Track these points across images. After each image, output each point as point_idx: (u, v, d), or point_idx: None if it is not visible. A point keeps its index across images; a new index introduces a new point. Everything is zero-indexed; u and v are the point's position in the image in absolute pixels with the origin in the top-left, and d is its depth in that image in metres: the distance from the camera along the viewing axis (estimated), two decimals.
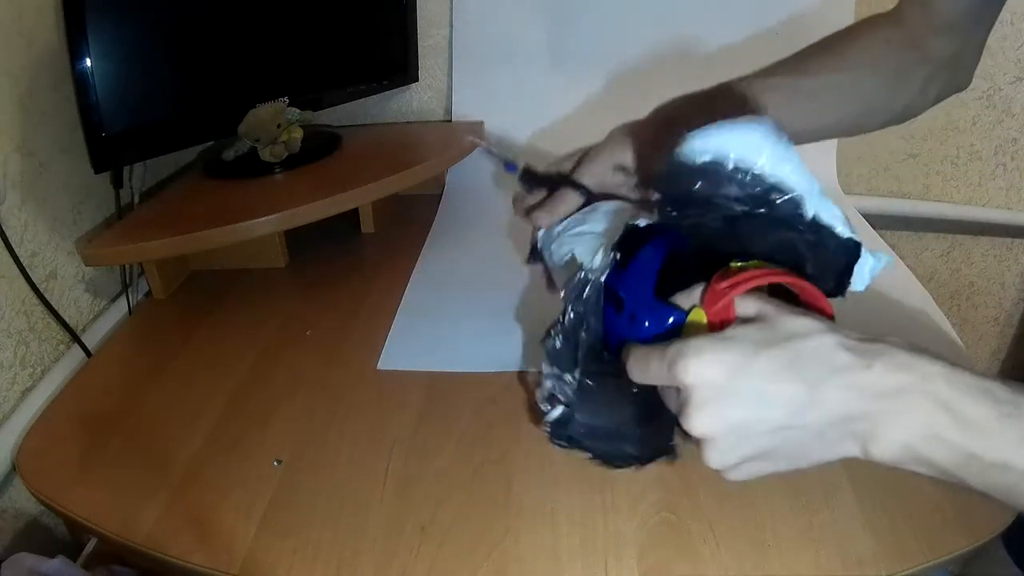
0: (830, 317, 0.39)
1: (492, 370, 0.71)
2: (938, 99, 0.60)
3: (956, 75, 0.59)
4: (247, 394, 0.70)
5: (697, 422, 0.34)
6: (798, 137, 0.55)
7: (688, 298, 0.40)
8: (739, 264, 0.40)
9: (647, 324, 0.42)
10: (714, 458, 0.35)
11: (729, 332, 0.35)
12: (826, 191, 0.40)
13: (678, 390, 0.36)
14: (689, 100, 0.60)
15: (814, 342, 0.34)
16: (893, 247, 0.93)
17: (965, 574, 0.77)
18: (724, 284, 0.38)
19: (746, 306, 0.38)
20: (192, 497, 0.59)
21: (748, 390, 0.34)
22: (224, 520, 0.56)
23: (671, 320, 0.41)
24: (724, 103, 0.58)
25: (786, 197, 0.40)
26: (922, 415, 0.32)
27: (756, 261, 0.40)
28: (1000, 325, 1.34)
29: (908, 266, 0.87)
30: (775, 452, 0.35)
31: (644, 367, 0.37)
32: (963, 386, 0.32)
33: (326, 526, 0.56)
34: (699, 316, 0.39)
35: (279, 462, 0.62)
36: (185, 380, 0.73)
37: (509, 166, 0.66)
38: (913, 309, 0.78)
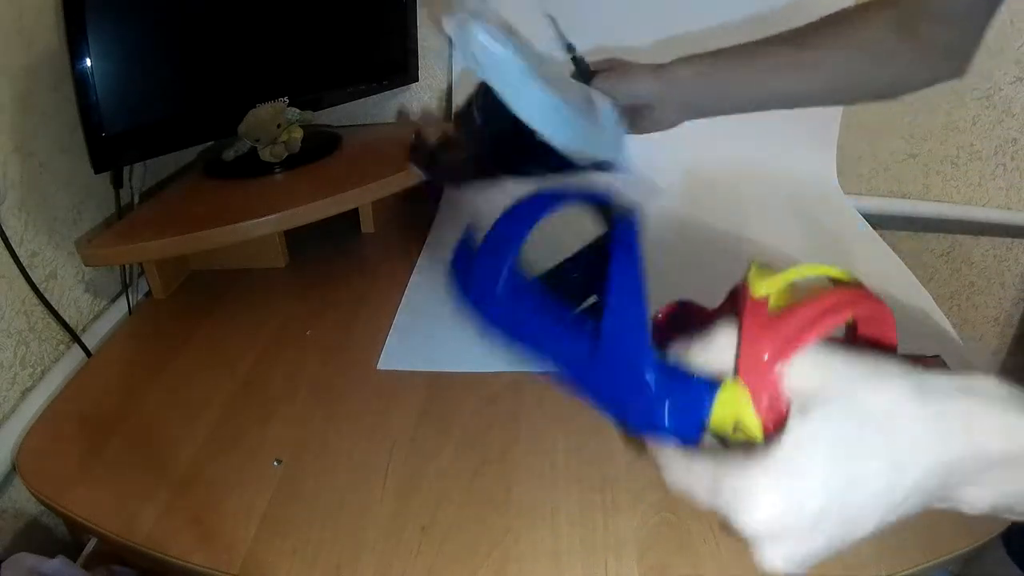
0: (894, 345, 0.33)
1: (492, 370, 0.71)
2: (929, 83, 0.61)
3: (950, 63, 0.60)
4: (247, 394, 0.70)
5: (767, 559, 0.30)
6: (792, 101, 0.62)
7: (702, 350, 0.31)
8: (765, 288, 0.30)
9: (653, 404, 0.33)
10: (775, 561, 0.31)
11: (792, 451, 0.27)
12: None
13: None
14: (692, 60, 0.64)
15: (911, 430, 0.27)
16: (893, 247, 0.93)
17: (965, 574, 0.77)
18: (770, 349, 0.28)
19: (807, 379, 0.28)
20: (192, 497, 0.59)
21: (835, 520, 0.29)
22: (224, 520, 0.56)
23: (692, 403, 0.32)
24: (727, 62, 0.63)
25: None
26: (1014, 482, 0.28)
27: (795, 270, 0.31)
28: (1000, 325, 1.35)
29: (908, 266, 0.87)
30: (851, 537, 0.31)
31: (686, 481, 0.32)
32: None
33: (326, 526, 0.56)
34: (735, 399, 0.29)
35: (279, 462, 0.62)
36: (185, 380, 0.73)
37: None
38: (913, 309, 0.78)
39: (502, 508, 0.56)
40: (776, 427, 0.28)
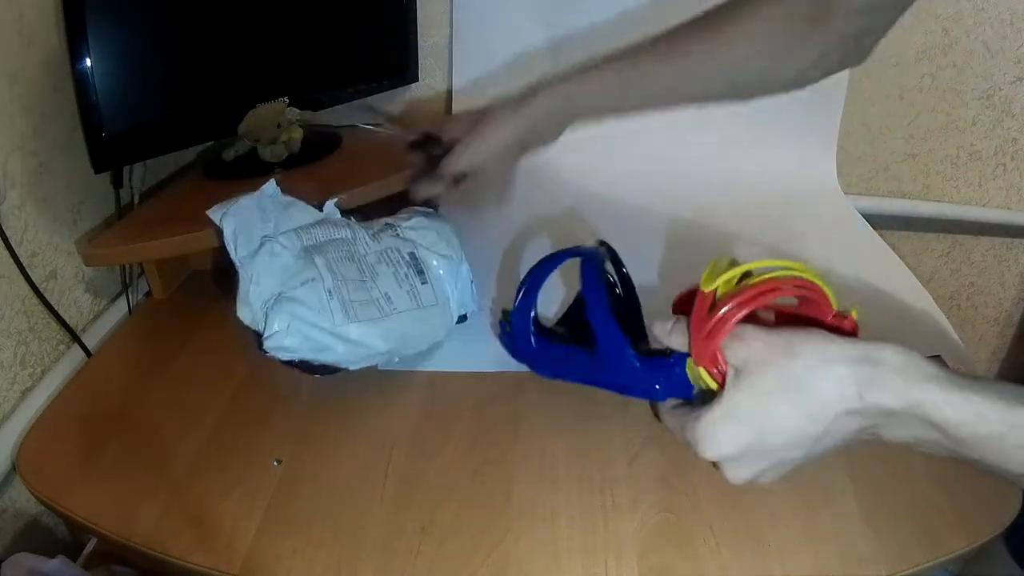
0: (830, 319, 0.43)
1: (492, 370, 0.71)
2: (835, 71, 0.59)
3: (858, 51, 0.58)
4: (247, 394, 0.70)
5: (727, 475, 0.42)
6: (685, 101, 0.62)
7: (666, 332, 0.47)
8: (715, 283, 0.43)
9: (640, 376, 0.54)
10: (733, 477, 0.42)
11: (733, 402, 0.40)
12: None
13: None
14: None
15: (817, 388, 0.38)
16: (893, 247, 0.93)
17: (965, 574, 0.77)
18: (705, 331, 0.42)
19: (735, 352, 0.41)
20: (192, 497, 0.59)
21: (765, 450, 0.40)
22: (224, 520, 0.56)
23: (663, 373, 0.52)
24: (587, 88, 0.63)
25: None
26: (916, 429, 0.38)
27: (732, 271, 0.43)
28: (1000, 325, 1.34)
29: (908, 266, 0.87)
30: (790, 461, 0.41)
31: (673, 429, 0.46)
32: (949, 404, 0.36)
33: (326, 526, 0.56)
34: (692, 369, 0.45)
35: (279, 462, 0.62)
36: (185, 380, 0.73)
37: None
38: (913, 309, 0.78)
39: (502, 508, 0.56)
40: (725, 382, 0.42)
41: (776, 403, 0.39)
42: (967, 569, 0.75)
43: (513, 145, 0.64)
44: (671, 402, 0.48)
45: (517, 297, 0.65)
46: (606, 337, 0.57)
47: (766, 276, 0.42)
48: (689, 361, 0.45)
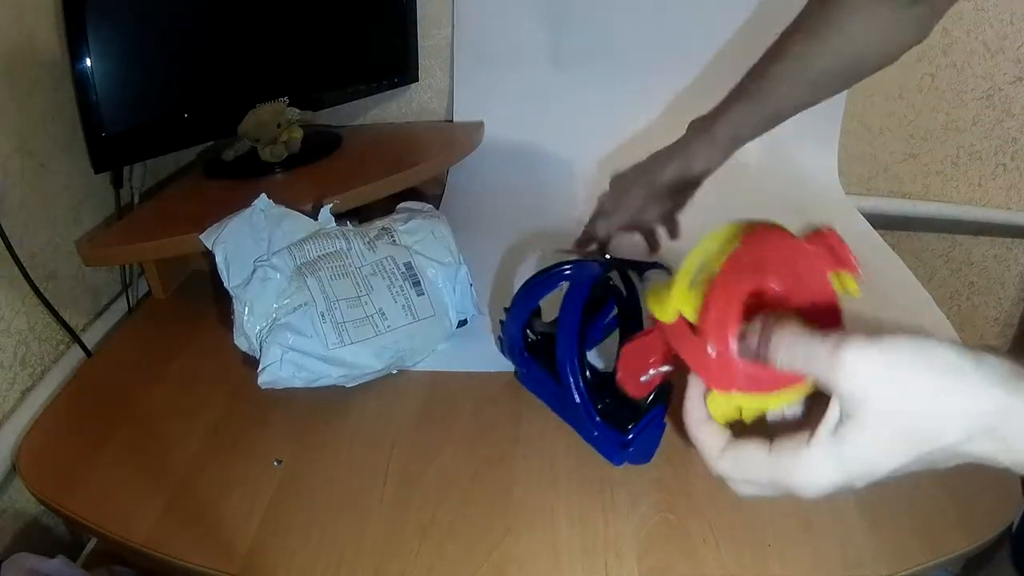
0: (835, 309, 0.36)
1: (492, 370, 0.71)
2: (912, 45, 0.62)
3: (931, 24, 0.61)
4: (247, 394, 0.70)
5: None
6: (816, 95, 0.64)
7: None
8: (671, 306, 0.34)
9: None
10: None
11: (844, 452, 0.30)
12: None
13: None
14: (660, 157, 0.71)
15: (951, 453, 0.30)
16: (893, 247, 0.93)
17: (965, 574, 0.77)
18: (712, 351, 0.33)
19: (847, 379, 0.30)
20: (192, 497, 0.59)
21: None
22: (224, 520, 0.56)
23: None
24: (730, 118, 0.67)
25: None
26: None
27: (679, 275, 0.35)
28: (1000, 325, 1.34)
29: (908, 266, 0.87)
30: None
31: (744, 471, 0.34)
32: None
33: (326, 526, 0.56)
34: (722, 402, 0.34)
35: (279, 462, 0.62)
36: (185, 380, 0.73)
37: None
38: (913, 309, 0.78)
39: (502, 508, 0.56)
40: (769, 385, 0.33)
41: (894, 457, 0.30)
42: (967, 570, 0.75)
43: (683, 199, 0.72)
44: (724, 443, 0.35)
45: (510, 309, 0.65)
46: (570, 386, 0.57)
47: (710, 266, 0.35)
48: (712, 396, 0.35)
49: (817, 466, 0.31)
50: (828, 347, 0.30)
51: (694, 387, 0.36)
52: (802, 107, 0.65)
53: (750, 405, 0.34)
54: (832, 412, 0.31)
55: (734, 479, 0.34)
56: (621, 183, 0.73)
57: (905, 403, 0.29)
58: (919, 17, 0.60)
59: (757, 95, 0.65)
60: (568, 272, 0.63)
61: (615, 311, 0.68)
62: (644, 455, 0.57)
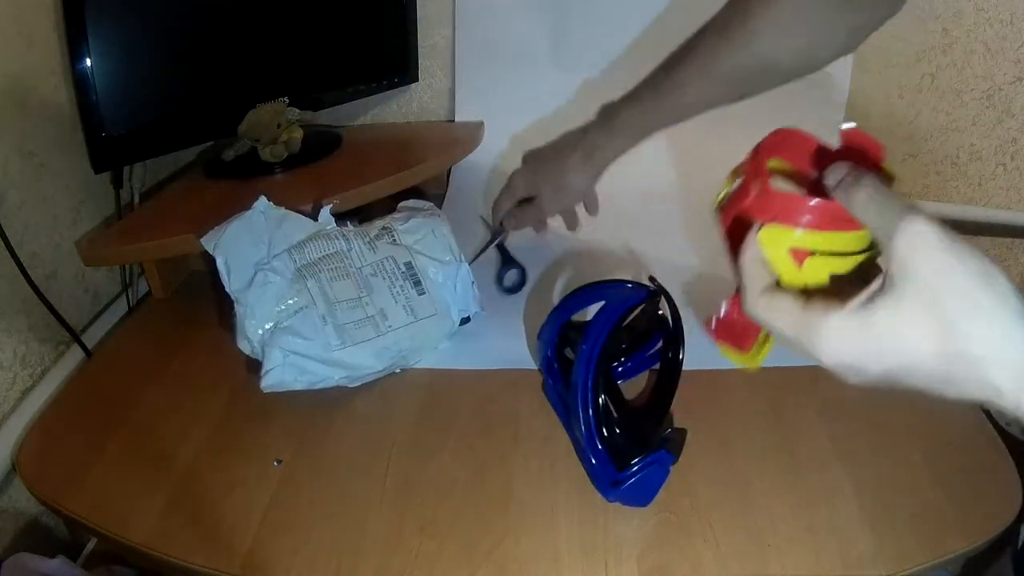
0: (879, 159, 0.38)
1: (492, 367, 0.71)
2: (881, 23, 0.57)
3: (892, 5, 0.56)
4: (247, 394, 0.70)
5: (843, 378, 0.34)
6: (721, 100, 0.64)
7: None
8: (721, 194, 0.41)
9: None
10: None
11: (874, 317, 0.31)
12: None
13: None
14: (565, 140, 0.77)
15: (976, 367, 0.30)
16: None
17: (965, 574, 0.77)
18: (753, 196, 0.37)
19: (900, 247, 0.30)
20: (192, 497, 0.59)
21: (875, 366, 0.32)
22: (224, 520, 0.56)
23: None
24: (593, 141, 0.73)
25: None
26: None
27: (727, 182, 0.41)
28: None
29: None
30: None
31: (774, 317, 0.35)
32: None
33: (326, 526, 0.56)
34: (771, 237, 0.36)
35: (279, 462, 0.62)
36: (185, 380, 0.73)
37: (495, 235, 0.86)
38: None
39: (502, 508, 0.56)
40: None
41: (917, 343, 0.30)
42: (967, 571, 0.75)
43: (591, 183, 0.77)
44: (763, 289, 0.36)
45: (546, 322, 0.65)
46: (578, 408, 0.55)
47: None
48: (763, 231, 0.36)
49: (842, 328, 0.31)
50: (904, 206, 0.30)
51: (751, 233, 0.36)
52: (715, 105, 0.63)
53: (800, 242, 0.35)
54: (874, 284, 0.31)
55: (765, 321, 0.35)
56: (532, 161, 0.79)
57: (950, 291, 0.29)
58: (855, 28, 0.56)
59: (663, 88, 0.64)
60: (609, 290, 0.62)
61: (660, 344, 0.66)
62: (639, 499, 0.55)
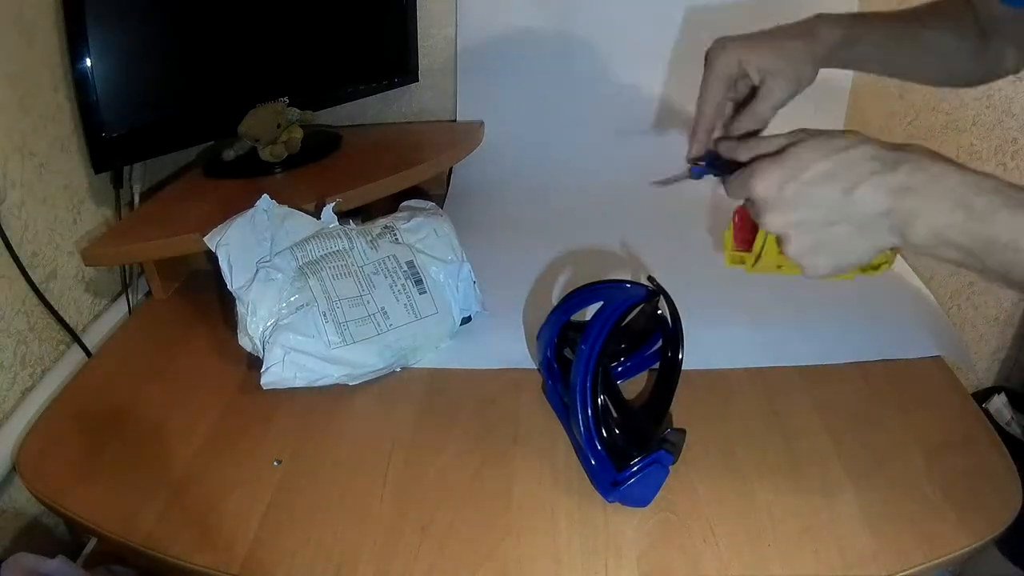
0: None
1: (495, 367, 0.71)
2: (1017, 70, 0.63)
3: (1018, 61, 0.62)
4: (247, 394, 0.70)
5: (765, 221, 0.45)
6: (896, 74, 0.68)
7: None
8: None
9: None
10: (788, 250, 0.46)
11: (786, 152, 0.45)
12: None
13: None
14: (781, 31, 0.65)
15: (850, 153, 0.43)
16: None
17: (964, 574, 0.77)
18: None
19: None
20: (192, 497, 0.59)
21: (797, 196, 0.44)
22: (224, 520, 0.56)
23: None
24: (824, 34, 0.63)
25: None
26: (943, 207, 0.41)
27: None
28: (1000, 325, 1.34)
29: (908, 266, 0.87)
30: (831, 245, 0.45)
31: (736, 190, 0.48)
32: (972, 182, 0.41)
33: (326, 526, 0.56)
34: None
35: (279, 462, 0.62)
36: (185, 380, 0.73)
37: (695, 170, 0.65)
38: (913, 309, 0.78)
39: (502, 508, 0.56)
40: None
41: (815, 167, 0.43)
42: (965, 569, 0.75)
43: (815, 68, 0.65)
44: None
45: (545, 322, 0.65)
46: (577, 408, 0.55)
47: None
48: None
49: (761, 167, 0.45)
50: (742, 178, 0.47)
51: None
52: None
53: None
54: None
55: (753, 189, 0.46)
56: (743, 38, 0.64)
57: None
58: (997, 52, 0.61)
59: (891, 41, 0.64)
60: (608, 291, 0.62)
61: (659, 344, 0.66)
62: (639, 499, 0.55)
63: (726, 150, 0.51)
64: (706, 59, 0.65)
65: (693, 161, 0.62)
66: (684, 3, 1.07)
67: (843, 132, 0.45)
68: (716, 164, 0.58)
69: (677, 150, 0.79)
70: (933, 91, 1.12)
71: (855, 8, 1.04)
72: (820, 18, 0.64)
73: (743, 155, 0.49)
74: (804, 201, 0.44)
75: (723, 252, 0.53)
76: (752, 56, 0.62)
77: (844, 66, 0.65)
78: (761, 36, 0.64)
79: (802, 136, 0.46)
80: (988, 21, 0.61)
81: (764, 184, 0.45)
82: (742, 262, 0.52)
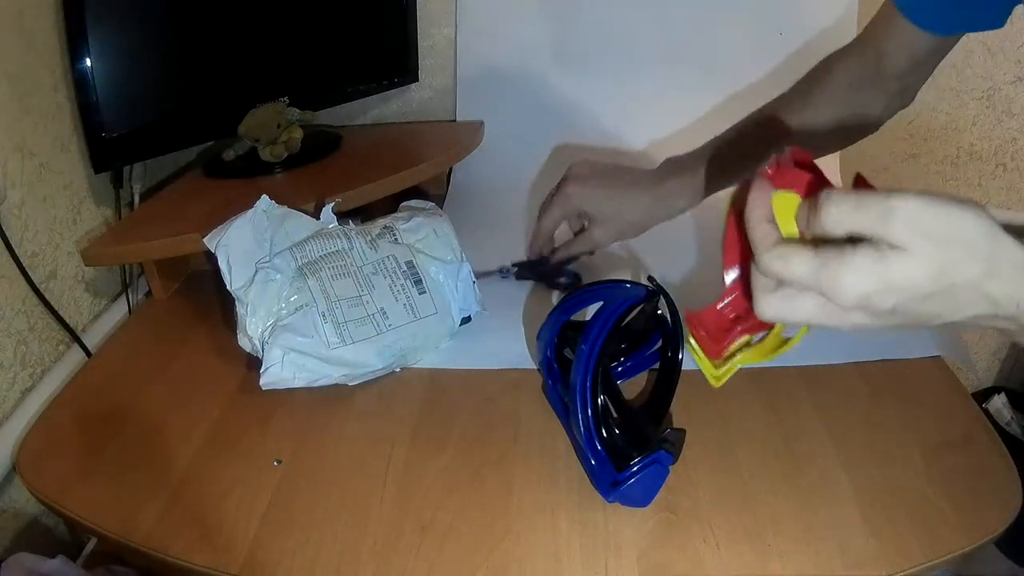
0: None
1: (494, 367, 0.71)
2: (895, 112, 0.73)
3: (904, 98, 0.72)
4: (247, 394, 0.70)
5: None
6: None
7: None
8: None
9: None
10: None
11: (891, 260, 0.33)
12: None
13: None
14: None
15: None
16: None
17: (964, 574, 0.77)
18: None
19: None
20: (192, 497, 0.59)
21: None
22: (224, 520, 0.56)
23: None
24: (669, 183, 0.75)
25: None
26: None
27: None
28: None
29: None
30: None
31: (789, 264, 0.36)
32: None
33: (326, 526, 0.56)
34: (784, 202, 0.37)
35: (279, 462, 0.62)
36: (185, 380, 0.73)
37: (503, 272, 0.85)
38: None
39: (502, 508, 0.56)
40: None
41: (926, 278, 0.33)
42: (965, 568, 0.75)
43: (650, 222, 0.77)
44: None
45: (545, 322, 0.65)
46: (577, 408, 0.55)
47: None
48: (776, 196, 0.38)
49: (859, 265, 0.33)
50: (880, 197, 0.33)
51: (758, 189, 0.38)
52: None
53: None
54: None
55: (778, 272, 0.36)
56: (594, 179, 0.77)
57: (947, 242, 0.33)
58: (905, 89, 0.70)
59: (739, 155, 0.71)
60: (608, 291, 0.62)
61: (659, 344, 0.66)
62: (639, 499, 0.55)
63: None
64: (557, 187, 0.78)
65: (513, 265, 0.84)
66: (684, 4, 1.07)
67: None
68: (533, 271, 0.82)
69: (677, 149, 0.79)
70: (933, 91, 1.12)
71: (855, 8, 1.04)
72: (667, 164, 0.76)
73: None
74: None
75: (698, 350, 0.44)
76: (588, 203, 0.76)
77: (734, 179, 0.71)
78: (605, 180, 0.76)
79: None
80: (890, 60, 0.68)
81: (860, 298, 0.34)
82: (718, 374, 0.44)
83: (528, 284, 0.84)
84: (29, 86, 0.77)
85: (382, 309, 0.69)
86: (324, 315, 0.67)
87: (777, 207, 0.37)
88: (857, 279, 0.33)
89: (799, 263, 0.35)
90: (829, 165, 1.11)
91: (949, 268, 0.33)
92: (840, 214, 0.34)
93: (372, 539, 0.54)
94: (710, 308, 0.44)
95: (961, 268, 0.33)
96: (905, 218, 0.32)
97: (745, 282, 0.41)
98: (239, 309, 0.67)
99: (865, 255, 0.33)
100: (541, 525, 0.55)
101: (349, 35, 1.04)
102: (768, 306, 0.37)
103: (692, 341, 0.44)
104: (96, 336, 0.83)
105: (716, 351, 0.44)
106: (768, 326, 0.43)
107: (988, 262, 0.34)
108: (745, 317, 0.43)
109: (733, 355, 0.44)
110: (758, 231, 0.37)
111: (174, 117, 0.89)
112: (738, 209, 0.40)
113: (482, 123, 1.12)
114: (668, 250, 0.87)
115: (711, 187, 0.73)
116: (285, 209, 0.73)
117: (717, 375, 0.44)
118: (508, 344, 0.74)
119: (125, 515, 0.57)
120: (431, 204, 0.80)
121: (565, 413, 0.62)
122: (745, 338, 0.43)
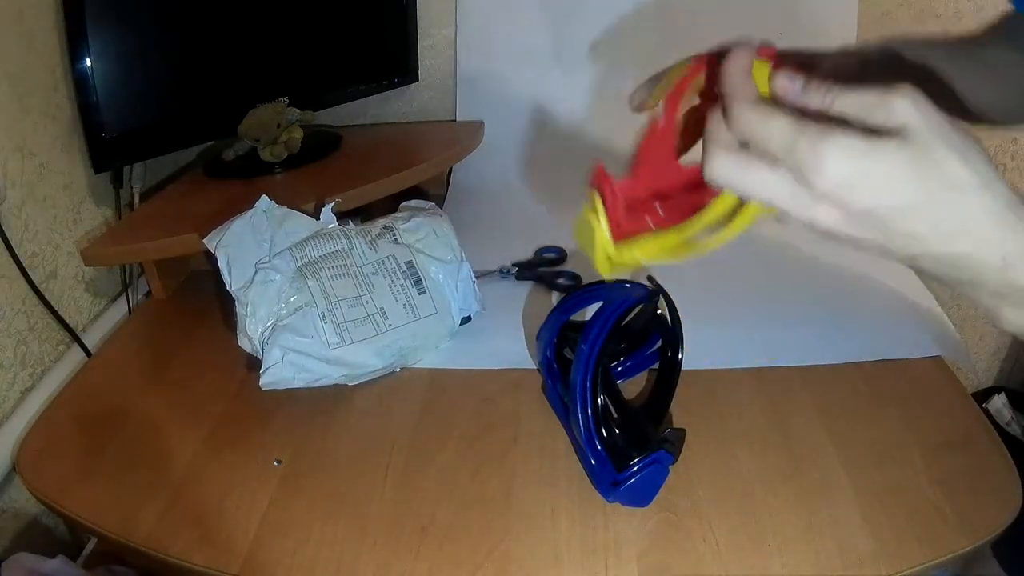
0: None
1: (494, 367, 0.71)
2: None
3: None
4: (247, 394, 0.70)
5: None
6: (981, 113, 0.54)
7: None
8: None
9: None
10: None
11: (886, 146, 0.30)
12: None
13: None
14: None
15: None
16: None
17: (964, 574, 0.77)
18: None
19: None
20: (192, 497, 0.59)
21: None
22: (224, 520, 0.56)
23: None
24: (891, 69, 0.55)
25: None
26: None
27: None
28: None
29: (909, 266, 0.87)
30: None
31: (766, 128, 0.32)
32: None
33: (326, 526, 0.56)
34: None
35: (279, 462, 0.62)
36: (185, 380, 0.73)
37: (503, 272, 0.84)
38: (914, 309, 0.78)
39: (502, 508, 0.56)
40: None
41: (911, 179, 0.30)
42: (965, 570, 0.75)
43: None
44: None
45: (545, 322, 0.65)
46: (577, 408, 0.55)
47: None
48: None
49: (844, 147, 0.30)
50: (881, 90, 0.30)
51: (744, 47, 0.34)
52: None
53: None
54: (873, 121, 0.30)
55: (753, 133, 0.32)
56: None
57: (947, 144, 0.30)
58: None
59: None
60: (608, 291, 0.62)
61: (659, 343, 0.66)
62: (639, 499, 0.55)
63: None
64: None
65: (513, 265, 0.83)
66: (684, 4, 1.07)
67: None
68: (533, 271, 0.80)
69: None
70: None
71: (855, 8, 1.04)
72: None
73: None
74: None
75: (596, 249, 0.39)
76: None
77: None
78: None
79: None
80: None
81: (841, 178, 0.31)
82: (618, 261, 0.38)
83: (528, 284, 0.84)
84: (29, 86, 0.77)
85: (382, 309, 0.69)
86: (324, 315, 0.67)
87: (756, 72, 0.33)
88: (841, 155, 0.29)
89: (779, 123, 0.31)
90: None
91: (939, 170, 0.30)
92: (840, 92, 0.31)
93: (372, 539, 0.54)
94: (630, 178, 0.38)
95: (951, 173, 0.30)
96: (912, 96, 0.30)
97: (676, 153, 0.37)
98: (239, 309, 0.67)
99: (854, 133, 0.30)
100: (541, 525, 0.55)
101: (349, 35, 1.05)
102: (721, 166, 0.32)
103: (599, 204, 0.37)
104: (96, 336, 0.83)
105: (622, 231, 0.37)
106: (692, 213, 0.35)
107: (981, 177, 0.31)
108: (669, 198, 0.37)
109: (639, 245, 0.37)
110: (737, 80, 0.33)
111: (174, 117, 0.89)
112: (704, 61, 0.36)
113: (482, 123, 1.12)
114: None
115: None
116: (285, 209, 0.73)
117: (611, 257, 0.37)
118: (508, 344, 0.74)
119: (125, 515, 0.57)
120: (431, 204, 0.80)
121: (565, 413, 0.62)
122: (659, 233, 0.37)
